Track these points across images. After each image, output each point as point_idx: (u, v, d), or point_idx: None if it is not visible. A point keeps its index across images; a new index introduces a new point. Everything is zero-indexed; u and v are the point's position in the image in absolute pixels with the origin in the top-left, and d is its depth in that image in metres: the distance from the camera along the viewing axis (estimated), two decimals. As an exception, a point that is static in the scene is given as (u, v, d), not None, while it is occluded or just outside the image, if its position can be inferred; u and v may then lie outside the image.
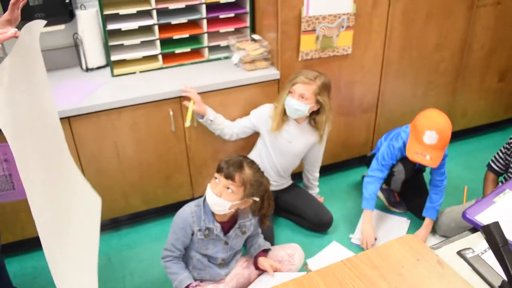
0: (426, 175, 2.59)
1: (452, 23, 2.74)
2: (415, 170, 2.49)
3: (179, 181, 2.49)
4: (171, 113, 2.26)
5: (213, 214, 1.87)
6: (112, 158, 2.28)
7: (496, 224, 1.07)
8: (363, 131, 2.85)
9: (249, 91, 2.39)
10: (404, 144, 2.31)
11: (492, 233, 1.07)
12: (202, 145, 2.43)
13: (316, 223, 2.48)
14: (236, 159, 1.82)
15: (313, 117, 2.30)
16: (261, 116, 2.32)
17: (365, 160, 2.77)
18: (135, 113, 2.22)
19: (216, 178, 1.82)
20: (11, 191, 2.18)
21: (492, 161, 2.33)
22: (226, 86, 2.34)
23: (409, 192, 2.58)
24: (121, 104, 2.18)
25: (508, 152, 2.22)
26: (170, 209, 2.58)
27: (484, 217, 1.34)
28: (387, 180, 2.48)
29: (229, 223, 1.91)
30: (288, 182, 2.54)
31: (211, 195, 1.80)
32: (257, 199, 1.83)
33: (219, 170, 1.81)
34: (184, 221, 1.85)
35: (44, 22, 1.37)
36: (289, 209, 2.54)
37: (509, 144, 2.22)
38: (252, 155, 2.36)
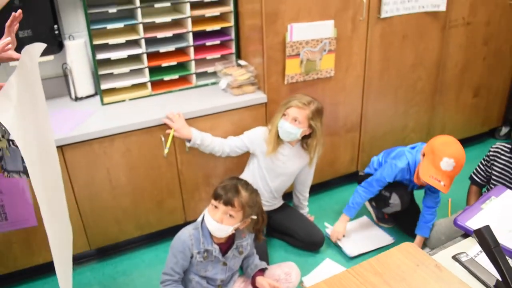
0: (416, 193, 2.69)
1: (427, 43, 2.89)
2: (410, 200, 2.55)
3: (171, 206, 2.51)
4: (162, 139, 2.30)
5: (211, 236, 1.90)
6: (105, 185, 2.30)
7: (487, 227, 1.14)
8: (348, 150, 2.94)
9: (238, 115, 2.45)
10: (409, 165, 2.36)
11: (484, 236, 1.14)
12: (193, 170, 2.46)
13: (308, 243, 2.52)
14: (231, 184, 1.86)
15: (305, 140, 2.37)
16: (256, 139, 2.37)
17: (355, 178, 2.86)
18: (127, 140, 2.25)
19: (215, 206, 1.84)
20: (3, 222, 2.16)
21: (474, 173, 2.43)
22: (215, 111, 2.40)
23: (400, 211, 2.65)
24: (113, 132, 2.21)
25: (488, 164, 2.32)
26: (163, 235, 2.60)
27: (473, 223, 1.42)
28: (380, 205, 2.56)
29: (226, 244, 1.94)
30: (279, 202, 2.59)
31: (212, 223, 1.83)
32: (254, 217, 1.87)
33: (217, 197, 1.83)
34: (183, 244, 1.87)
35: (44, 45, 1.41)
36: (281, 229, 2.58)
37: (488, 156, 2.33)
38: (245, 176, 2.41)
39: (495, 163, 2.28)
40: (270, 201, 2.50)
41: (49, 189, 1.53)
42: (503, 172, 2.26)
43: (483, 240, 1.14)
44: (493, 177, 2.29)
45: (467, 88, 3.24)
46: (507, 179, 2.23)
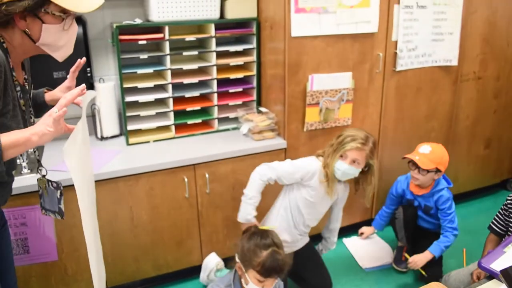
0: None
1: (440, 96, 3.01)
2: (415, 214, 2.72)
3: (189, 247, 2.55)
4: (185, 179, 2.38)
5: None
6: (127, 223, 2.35)
7: (513, 267, 1.20)
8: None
9: (258, 159, 2.52)
10: (407, 178, 2.73)
11: (510, 275, 1.19)
12: (213, 212, 2.52)
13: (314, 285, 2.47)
14: (271, 255, 1.86)
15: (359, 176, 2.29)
16: (315, 174, 2.24)
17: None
18: (151, 179, 2.33)
19: (262, 281, 1.87)
20: (25, 255, 2.21)
21: (493, 223, 2.46)
22: (236, 155, 2.48)
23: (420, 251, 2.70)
24: (139, 171, 2.29)
25: (506, 213, 2.36)
26: (179, 275, 2.62)
27: (497, 265, 1.49)
28: (392, 222, 2.79)
29: None
30: (307, 237, 2.51)
31: None
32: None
33: (267, 275, 1.85)
34: None
35: (95, 93, 1.53)
36: (297, 269, 2.43)
37: (506, 205, 2.37)
38: (276, 209, 2.35)
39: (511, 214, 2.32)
40: (303, 235, 2.42)
41: (94, 227, 1.59)
42: None
43: (509, 279, 1.19)
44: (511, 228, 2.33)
45: (478, 140, 3.33)
46: None
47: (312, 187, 2.24)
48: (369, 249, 2.94)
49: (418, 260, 2.51)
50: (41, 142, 1.30)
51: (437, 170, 2.54)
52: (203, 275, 2.55)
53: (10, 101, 1.34)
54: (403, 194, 2.76)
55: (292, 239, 2.34)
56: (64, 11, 1.37)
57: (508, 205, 2.34)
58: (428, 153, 2.52)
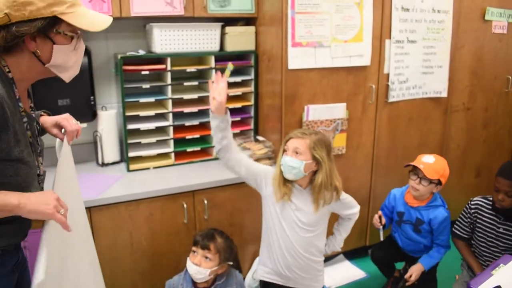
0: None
1: (431, 126, 3.12)
2: (391, 256, 2.74)
3: (187, 272, 2.59)
4: (184, 206, 2.44)
5: (193, 282, 2.11)
6: (126, 248, 2.40)
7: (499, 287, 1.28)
8: (357, 224, 3.00)
9: (255, 186, 2.60)
10: (402, 190, 2.68)
11: None
12: (210, 237, 2.57)
13: None
14: (208, 232, 2.17)
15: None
16: (268, 175, 2.08)
17: (364, 253, 3.05)
18: (151, 205, 2.39)
19: (194, 251, 2.12)
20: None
21: (456, 229, 2.50)
22: (234, 182, 2.55)
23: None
24: (139, 197, 2.35)
25: (471, 220, 2.42)
26: (176, 301, 2.64)
27: (486, 287, 1.56)
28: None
29: None
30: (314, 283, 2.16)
31: (192, 266, 2.07)
32: (231, 263, 2.12)
33: (195, 243, 2.12)
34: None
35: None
36: None
37: (469, 212, 2.44)
38: (263, 236, 2.20)
39: (478, 220, 2.40)
40: (297, 271, 2.07)
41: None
42: (488, 227, 2.36)
43: (496, 298, 1.27)
44: (478, 233, 2.39)
45: (468, 168, 3.43)
46: (492, 235, 2.34)
47: (273, 192, 2.04)
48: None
49: (414, 275, 2.45)
50: (30, 216, 1.26)
51: (438, 183, 2.46)
52: (249, 275, 2.65)
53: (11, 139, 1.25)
54: (394, 204, 2.65)
55: (273, 267, 2.11)
56: (75, 31, 1.32)
57: (472, 212, 2.43)
58: (433, 163, 2.44)
